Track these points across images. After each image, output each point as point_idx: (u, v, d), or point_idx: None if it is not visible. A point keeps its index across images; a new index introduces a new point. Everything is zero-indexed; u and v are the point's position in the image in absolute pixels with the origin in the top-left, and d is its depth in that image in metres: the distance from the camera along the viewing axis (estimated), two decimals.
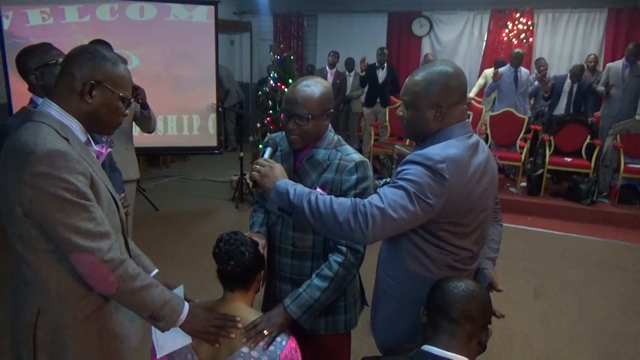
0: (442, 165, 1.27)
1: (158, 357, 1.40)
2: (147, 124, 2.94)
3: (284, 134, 1.71)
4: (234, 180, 5.90)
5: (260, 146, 5.53)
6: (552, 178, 6.32)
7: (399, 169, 1.36)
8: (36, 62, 1.86)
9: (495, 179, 1.47)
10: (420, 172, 1.28)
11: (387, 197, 1.26)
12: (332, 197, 1.33)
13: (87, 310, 1.29)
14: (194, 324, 1.33)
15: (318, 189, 1.56)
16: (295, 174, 1.61)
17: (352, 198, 1.32)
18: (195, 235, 4.67)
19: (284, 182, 1.38)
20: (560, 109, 6.23)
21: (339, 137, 1.67)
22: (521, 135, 6.14)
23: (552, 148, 6.00)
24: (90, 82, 1.23)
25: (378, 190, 1.32)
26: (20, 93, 4.39)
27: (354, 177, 1.55)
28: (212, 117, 5.23)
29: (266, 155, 1.57)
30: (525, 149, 6.08)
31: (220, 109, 5.45)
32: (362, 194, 1.54)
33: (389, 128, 7.02)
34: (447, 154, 1.29)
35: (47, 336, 1.26)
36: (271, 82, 5.41)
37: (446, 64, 1.40)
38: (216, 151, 5.38)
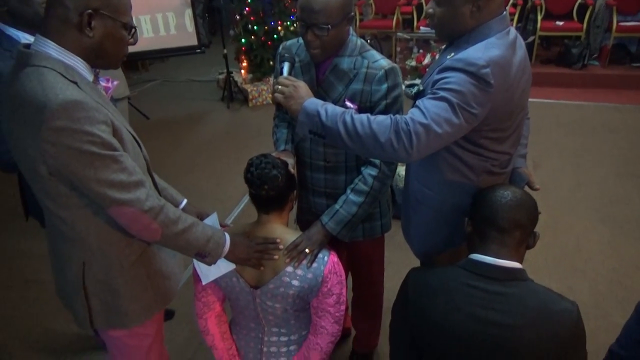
0: (486, 70, 1.17)
1: (204, 284, 1.42)
2: None
3: (299, 40, 1.55)
4: (220, 79, 5.64)
5: (243, 40, 5.21)
6: (542, 44, 6.16)
7: (437, 76, 1.25)
8: None
9: (530, 75, 1.38)
10: (463, 79, 1.17)
11: (429, 110, 1.18)
12: (369, 115, 1.24)
13: (132, 257, 1.27)
14: (237, 253, 1.33)
15: (347, 102, 1.47)
16: (319, 87, 1.49)
17: (391, 115, 1.23)
18: (192, 142, 4.57)
19: (313, 103, 1.27)
20: None
21: (363, 41, 1.53)
22: (511, 0, 5.84)
23: (544, 12, 5.76)
24: (88, 12, 1.06)
25: (418, 103, 1.23)
26: None
27: (385, 86, 1.45)
28: (188, 12, 4.81)
29: (284, 71, 1.42)
30: (515, 15, 5.82)
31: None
32: (394, 103, 1.47)
33: (373, 6, 6.57)
34: (490, 57, 1.18)
35: (97, 286, 1.25)
36: None
37: None
38: (198, 50, 5.04)
